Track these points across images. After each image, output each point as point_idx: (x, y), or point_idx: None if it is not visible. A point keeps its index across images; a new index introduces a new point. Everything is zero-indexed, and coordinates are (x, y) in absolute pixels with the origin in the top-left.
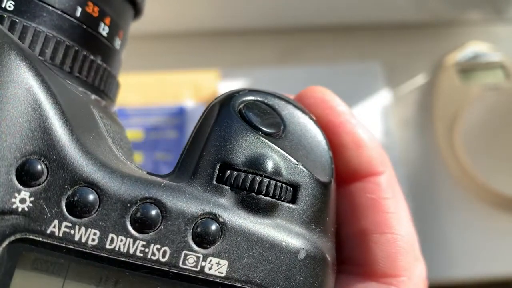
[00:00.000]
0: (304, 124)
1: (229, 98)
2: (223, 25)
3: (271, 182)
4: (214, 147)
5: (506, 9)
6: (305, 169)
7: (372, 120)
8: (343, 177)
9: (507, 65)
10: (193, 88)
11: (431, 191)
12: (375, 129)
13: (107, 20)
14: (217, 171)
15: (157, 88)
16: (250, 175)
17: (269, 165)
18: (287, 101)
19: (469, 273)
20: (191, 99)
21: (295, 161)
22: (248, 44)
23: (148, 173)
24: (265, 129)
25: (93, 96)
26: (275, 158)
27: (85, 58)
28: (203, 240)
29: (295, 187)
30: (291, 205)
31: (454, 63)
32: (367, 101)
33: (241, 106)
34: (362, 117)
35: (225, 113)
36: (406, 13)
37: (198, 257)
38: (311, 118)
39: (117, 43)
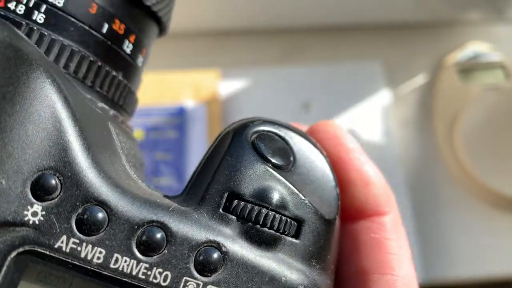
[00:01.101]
0: (314, 158)
1: (243, 127)
2: (223, 25)
3: (276, 216)
4: (224, 175)
5: (506, 9)
6: (310, 205)
7: (372, 120)
8: (348, 214)
9: (507, 65)
10: (193, 88)
11: (431, 191)
12: (375, 129)
13: (132, 38)
14: (224, 199)
15: (157, 88)
16: (256, 207)
17: (276, 198)
18: (300, 134)
19: (469, 273)
20: (191, 99)
21: (302, 196)
22: (248, 44)
23: (157, 192)
24: (275, 162)
25: (111, 112)
26: (282, 192)
27: (107, 73)
28: (205, 268)
29: (300, 222)
30: (294, 240)
31: (454, 63)
32: (367, 101)
33: (254, 136)
34: (362, 117)
35: (237, 142)
36: (406, 13)
37: (198, 284)
38: (322, 153)
39: (140, 60)
